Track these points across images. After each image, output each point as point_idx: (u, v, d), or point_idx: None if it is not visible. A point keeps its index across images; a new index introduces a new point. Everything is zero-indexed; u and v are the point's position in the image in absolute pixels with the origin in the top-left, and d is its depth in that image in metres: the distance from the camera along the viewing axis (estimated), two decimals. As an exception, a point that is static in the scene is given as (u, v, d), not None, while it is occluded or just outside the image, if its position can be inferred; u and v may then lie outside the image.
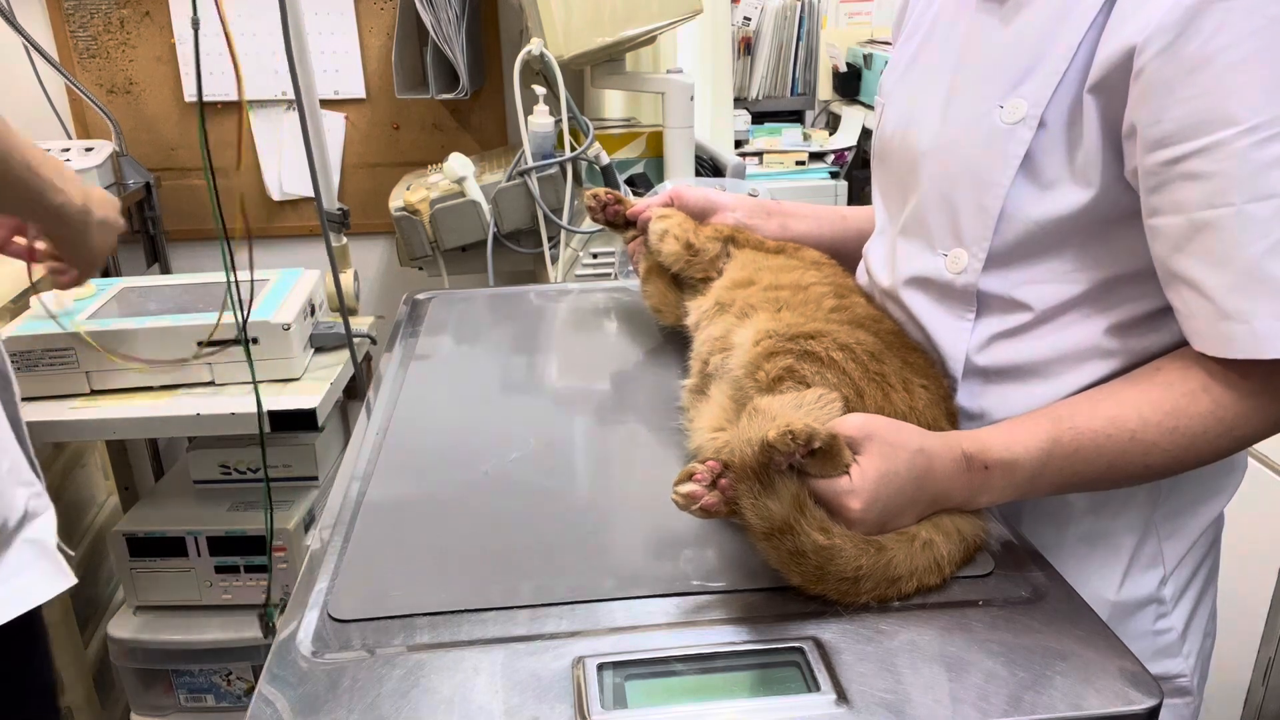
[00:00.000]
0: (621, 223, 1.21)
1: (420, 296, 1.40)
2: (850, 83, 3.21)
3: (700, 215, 1.15)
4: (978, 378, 0.88)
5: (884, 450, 0.72)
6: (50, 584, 1.04)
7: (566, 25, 1.72)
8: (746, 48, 3.20)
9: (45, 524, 1.06)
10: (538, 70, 1.79)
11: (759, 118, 3.23)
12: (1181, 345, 0.78)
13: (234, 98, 2.28)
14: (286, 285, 1.82)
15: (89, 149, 2.11)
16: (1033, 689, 0.64)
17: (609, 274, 1.92)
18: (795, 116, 3.32)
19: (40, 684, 1.14)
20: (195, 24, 1.44)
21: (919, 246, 0.91)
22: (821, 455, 0.70)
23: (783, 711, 0.63)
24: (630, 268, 1.23)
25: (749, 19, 3.18)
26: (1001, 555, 0.78)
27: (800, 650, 0.67)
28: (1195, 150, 0.71)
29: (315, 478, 1.86)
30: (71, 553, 1.16)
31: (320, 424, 1.66)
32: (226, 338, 1.65)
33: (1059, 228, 0.81)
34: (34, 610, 1.05)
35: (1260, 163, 0.69)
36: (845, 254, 1.11)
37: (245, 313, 1.56)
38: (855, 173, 3.07)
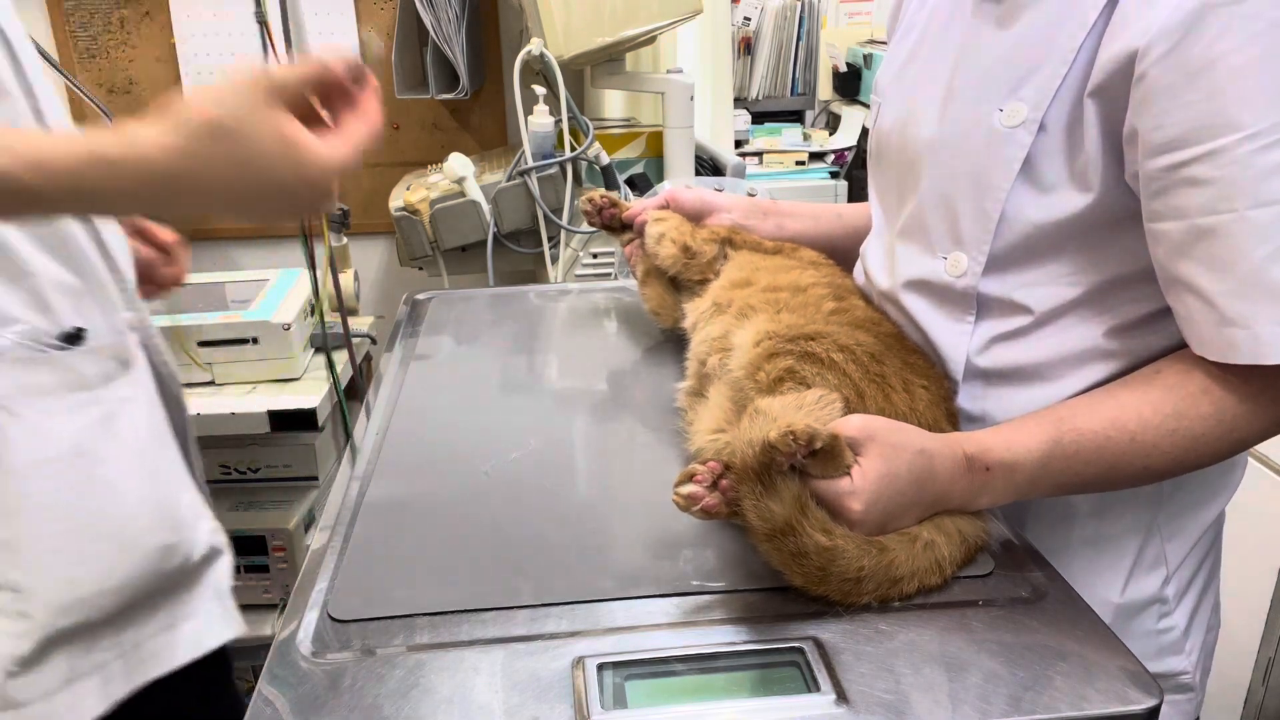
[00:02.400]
0: (618, 226, 1.21)
1: (420, 296, 1.40)
2: (850, 83, 3.21)
3: (696, 216, 1.15)
4: (978, 380, 0.88)
5: (885, 451, 0.72)
6: (223, 630, 0.99)
7: (566, 25, 1.72)
8: (746, 48, 3.20)
9: (224, 566, 1.00)
10: (538, 70, 1.79)
11: (759, 118, 3.23)
12: (1181, 347, 0.78)
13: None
14: (286, 285, 1.82)
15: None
16: (1033, 689, 0.64)
17: (609, 274, 1.92)
18: (795, 116, 3.32)
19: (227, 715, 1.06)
20: (261, 19, 1.42)
21: (918, 249, 0.91)
22: (823, 456, 0.70)
23: (783, 711, 0.63)
24: (629, 269, 1.23)
25: (749, 19, 3.17)
26: (1001, 555, 0.78)
27: (800, 650, 0.67)
28: (1197, 156, 0.70)
29: (315, 478, 1.87)
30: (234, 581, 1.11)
31: (320, 424, 1.67)
32: (229, 338, 1.65)
33: (1059, 231, 0.81)
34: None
35: (1263, 168, 0.68)
36: (842, 252, 1.11)
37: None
38: (855, 172, 3.07)
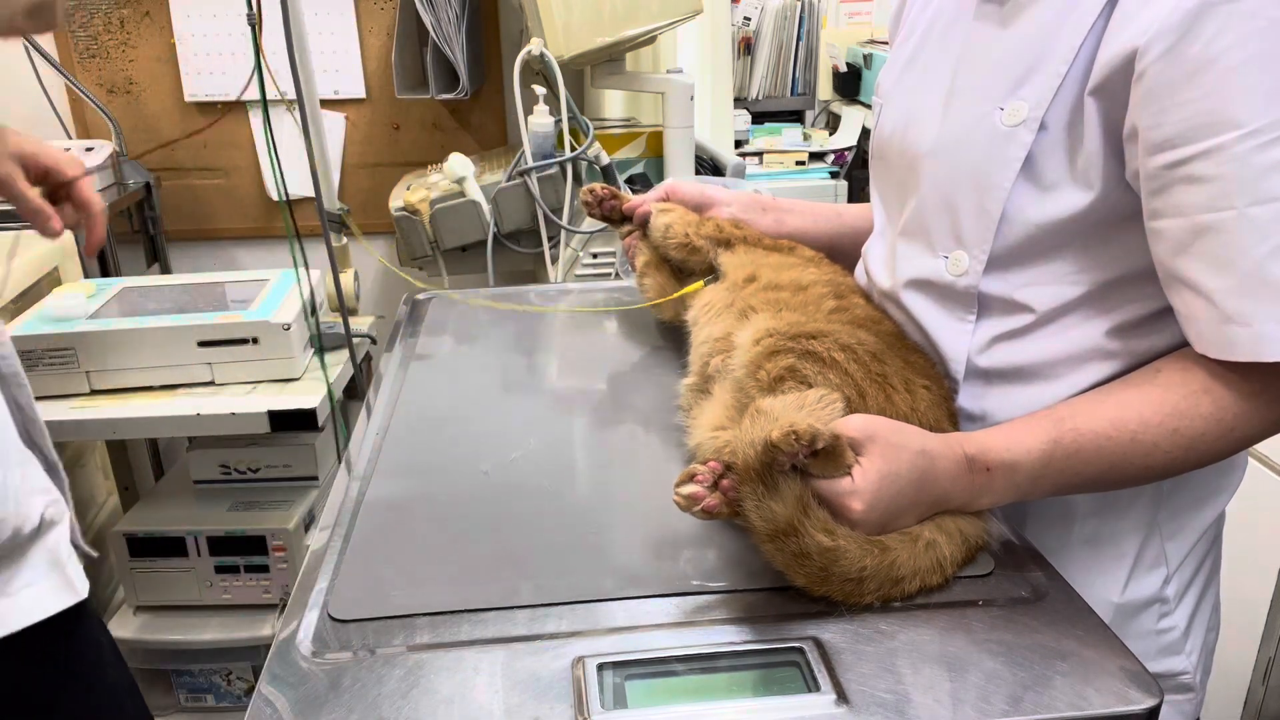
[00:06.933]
0: (618, 218, 1.22)
1: (420, 297, 1.40)
2: (850, 83, 3.21)
3: (694, 209, 1.16)
4: (979, 379, 0.88)
5: (886, 451, 0.72)
6: (59, 597, 1.02)
7: (566, 25, 1.72)
8: (746, 48, 3.20)
9: (60, 534, 1.04)
10: (538, 70, 1.79)
11: (759, 118, 3.23)
12: (1182, 346, 0.78)
13: (234, 98, 2.28)
14: (286, 285, 1.82)
15: (89, 149, 2.11)
16: (1033, 689, 0.64)
17: (609, 274, 1.92)
18: (795, 116, 3.32)
19: (101, 678, 1.11)
20: (252, 21, 1.41)
21: (919, 248, 0.91)
22: (824, 456, 0.70)
23: (783, 711, 0.63)
24: (628, 262, 1.24)
25: (749, 19, 3.17)
26: (1002, 555, 0.78)
27: (800, 650, 0.67)
28: (1197, 153, 0.70)
29: (315, 478, 1.86)
30: (94, 553, 1.15)
31: (320, 424, 1.66)
32: (229, 338, 1.65)
33: (1060, 230, 0.81)
34: (83, 608, 1.04)
35: (1262, 166, 0.68)
36: (841, 251, 1.11)
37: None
38: (855, 173, 3.07)
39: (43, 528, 1.01)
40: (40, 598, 1.00)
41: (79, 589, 1.04)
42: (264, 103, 1.43)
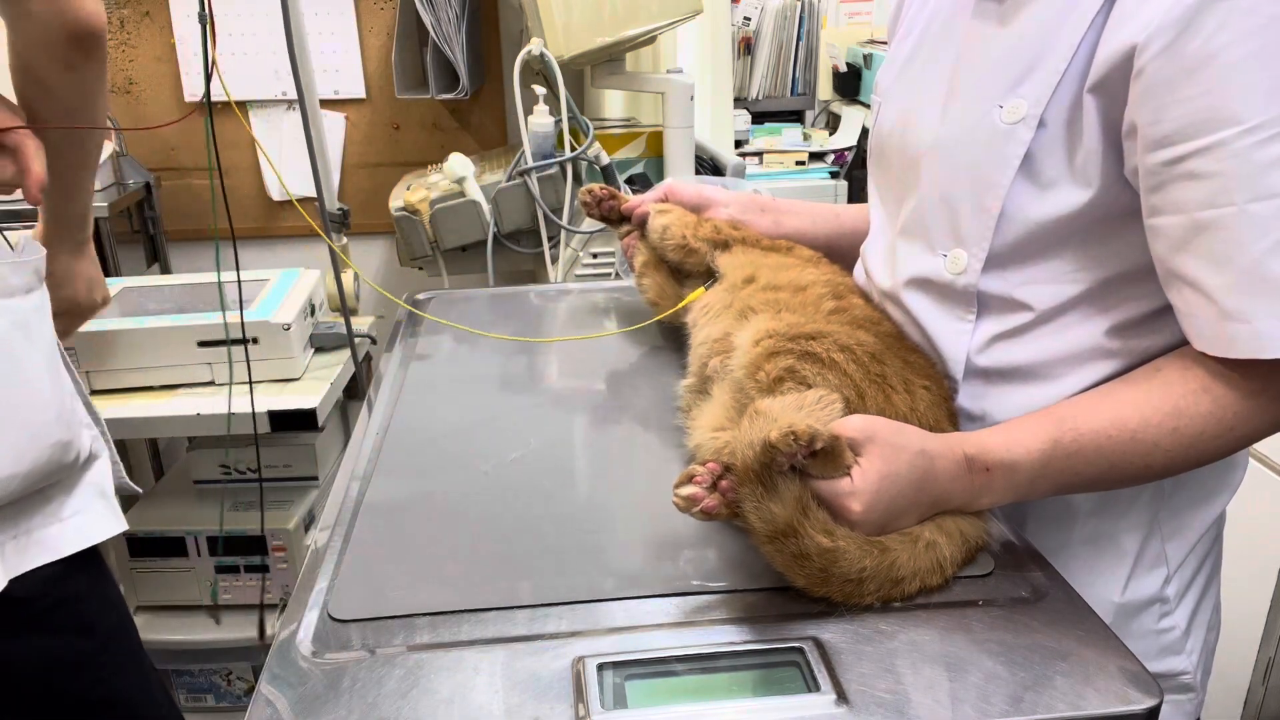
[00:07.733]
0: (616, 218, 1.22)
1: (420, 296, 1.40)
2: (850, 82, 3.21)
3: (693, 210, 1.15)
4: (979, 379, 0.88)
5: (885, 452, 0.72)
6: (107, 525, 1.09)
7: (566, 25, 1.72)
8: (746, 48, 3.20)
9: (103, 467, 1.11)
10: (538, 70, 1.79)
11: (759, 118, 3.23)
12: (1182, 345, 0.78)
13: (234, 98, 2.28)
14: (286, 285, 1.82)
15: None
16: (1033, 689, 0.64)
17: (609, 274, 1.92)
18: (795, 116, 3.33)
19: (110, 604, 1.18)
20: (204, 19, 1.41)
21: (918, 247, 0.91)
22: (823, 456, 0.70)
23: (783, 711, 0.63)
24: (627, 262, 1.24)
25: (749, 19, 3.18)
26: (1002, 555, 0.78)
27: (800, 650, 0.67)
28: (1196, 150, 0.70)
29: (315, 478, 1.86)
30: (139, 489, 1.22)
31: (320, 424, 1.67)
32: (231, 337, 1.65)
33: (1059, 227, 0.81)
34: (94, 550, 1.10)
35: (1261, 162, 0.68)
36: (839, 252, 1.11)
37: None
38: (855, 173, 3.07)
39: (89, 460, 1.08)
40: (87, 526, 1.07)
41: (123, 521, 1.11)
42: (209, 102, 1.42)
